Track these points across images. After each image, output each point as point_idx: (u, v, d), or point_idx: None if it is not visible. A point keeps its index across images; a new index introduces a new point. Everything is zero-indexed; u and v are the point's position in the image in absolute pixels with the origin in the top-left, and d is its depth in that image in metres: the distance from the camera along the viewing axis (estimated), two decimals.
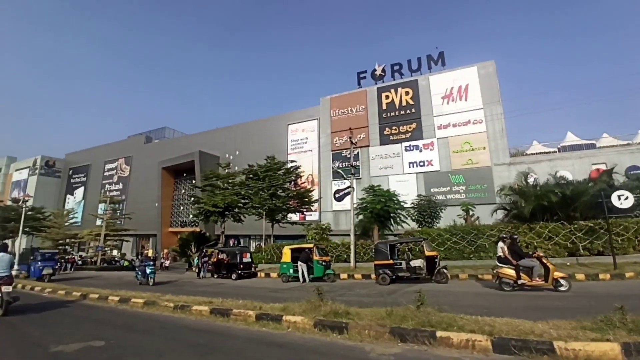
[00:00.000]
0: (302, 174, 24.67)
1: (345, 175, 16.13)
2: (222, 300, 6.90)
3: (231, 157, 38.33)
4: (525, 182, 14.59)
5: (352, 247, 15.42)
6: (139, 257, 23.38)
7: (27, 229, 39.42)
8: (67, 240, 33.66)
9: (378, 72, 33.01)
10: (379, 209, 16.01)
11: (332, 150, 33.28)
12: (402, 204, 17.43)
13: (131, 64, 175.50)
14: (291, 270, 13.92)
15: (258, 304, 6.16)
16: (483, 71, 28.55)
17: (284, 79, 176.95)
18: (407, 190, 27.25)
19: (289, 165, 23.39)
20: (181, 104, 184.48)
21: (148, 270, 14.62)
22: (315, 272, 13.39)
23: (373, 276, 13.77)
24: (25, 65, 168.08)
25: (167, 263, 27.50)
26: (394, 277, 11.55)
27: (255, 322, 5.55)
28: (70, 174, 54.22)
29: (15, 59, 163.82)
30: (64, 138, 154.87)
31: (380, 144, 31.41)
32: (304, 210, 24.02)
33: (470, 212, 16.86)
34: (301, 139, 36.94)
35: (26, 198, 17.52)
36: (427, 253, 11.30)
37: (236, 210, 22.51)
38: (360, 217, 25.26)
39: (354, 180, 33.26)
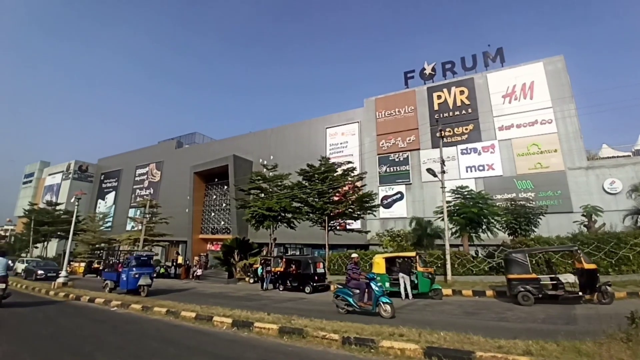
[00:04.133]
0: (364, 176, 22.53)
1: (434, 175, 13.91)
2: (419, 332, 4.70)
3: (265, 162, 36.89)
4: None
5: (447, 257, 13.11)
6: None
7: (60, 233, 38.84)
8: (102, 245, 32.50)
9: (427, 72, 31.03)
10: (475, 212, 13.68)
11: (379, 154, 31.28)
12: (495, 208, 15.03)
13: (175, 82, 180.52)
14: (387, 284, 11.70)
15: (491, 341, 3.96)
16: (551, 67, 26.12)
17: (319, 87, 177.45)
18: None
19: (345, 167, 21.38)
20: (211, 113, 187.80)
21: (377, 289, 8.02)
22: (421, 287, 11.14)
23: (489, 292, 11.44)
24: (66, 78, 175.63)
25: (199, 272, 25.15)
26: (539, 295, 9.18)
27: None
28: (102, 178, 54.07)
29: (58, 72, 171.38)
30: (96, 144, 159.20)
31: (433, 147, 29.06)
32: (367, 214, 21.77)
33: (593, 218, 14.34)
34: (340, 143, 35.18)
35: (79, 195, 15.73)
36: (586, 266, 8.93)
37: (289, 215, 20.51)
38: (414, 224, 23.19)
39: (404, 186, 31.47)
